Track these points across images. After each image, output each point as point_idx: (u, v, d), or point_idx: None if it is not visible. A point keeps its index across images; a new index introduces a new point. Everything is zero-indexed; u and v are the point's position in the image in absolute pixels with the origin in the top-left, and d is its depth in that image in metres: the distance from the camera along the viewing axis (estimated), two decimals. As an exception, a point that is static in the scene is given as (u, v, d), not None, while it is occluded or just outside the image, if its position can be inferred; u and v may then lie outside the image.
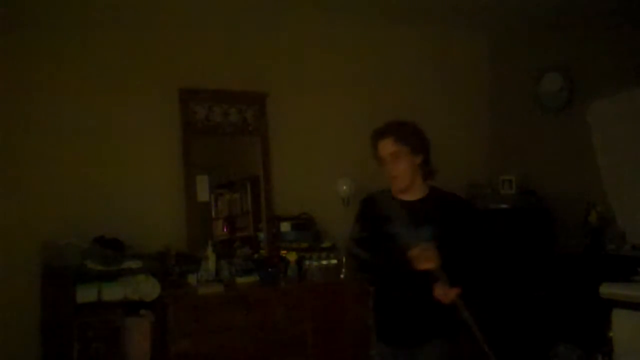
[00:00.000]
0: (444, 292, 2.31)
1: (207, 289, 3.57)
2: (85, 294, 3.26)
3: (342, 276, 3.98)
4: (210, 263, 3.77)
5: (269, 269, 3.86)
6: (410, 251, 2.27)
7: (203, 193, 4.06)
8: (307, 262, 3.98)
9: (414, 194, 2.50)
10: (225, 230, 4.24)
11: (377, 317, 2.62)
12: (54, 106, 3.63)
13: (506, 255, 4.35)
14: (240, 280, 3.79)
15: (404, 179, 2.47)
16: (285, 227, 4.16)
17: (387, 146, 2.46)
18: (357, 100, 4.62)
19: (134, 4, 3.89)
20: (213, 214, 4.18)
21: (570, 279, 4.04)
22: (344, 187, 4.24)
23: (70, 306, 3.21)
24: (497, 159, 5.10)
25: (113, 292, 3.32)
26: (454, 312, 2.39)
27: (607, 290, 3.52)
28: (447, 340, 2.45)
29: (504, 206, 4.53)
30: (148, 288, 3.38)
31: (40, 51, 3.61)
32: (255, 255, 4.09)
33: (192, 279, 3.67)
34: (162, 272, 3.52)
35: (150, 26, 3.92)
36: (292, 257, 3.97)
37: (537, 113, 4.81)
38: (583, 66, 4.48)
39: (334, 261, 4.00)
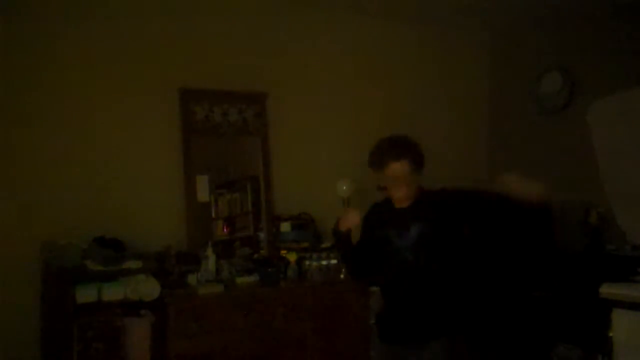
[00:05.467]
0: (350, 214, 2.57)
1: (207, 289, 3.57)
2: (85, 294, 3.26)
3: (342, 276, 3.98)
4: (210, 263, 3.77)
5: (269, 269, 3.86)
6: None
7: (203, 193, 4.06)
8: (307, 262, 3.97)
9: (409, 200, 2.56)
10: (225, 230, 4.24)
11: (378, 316, 2.65)
12: (53, 106, 3.63)
13: (506, 255, 4.35)
14: (240, 280, 3.78)
15: (407, 197, 2.54)
16: (285, 227, 4.15)
17: (401, 169, 2.47)
18: (358, 100, 4.62)
19: (134, 4, 3.90)
20: (213, 214, 4.18)
21: (570, 279, 4.03)
22: (344, 188, 4.23)
23: (70, 306, 3.21)
24: (497, 159, 5.10)
25: (113, 292, 3.32)
26: (454, 312, 2.40)
27: (607, 290, 3.52)
28: (446, 341, 2.44)
29: (504, 206, 4.52)
30: (148, 288, 3.38)
31: (40, 51, 3.61)
32: (255, 255, 4.09)
33: (192, 279, 3.67)
34: (162, 272, 3.52)
35: (150, 26, 3.92)
36: (292, 257, 3.97)
37: (537, 113, 4.80)
38: (583, 66, 4.47)
39: (334, 261, 3.99)
